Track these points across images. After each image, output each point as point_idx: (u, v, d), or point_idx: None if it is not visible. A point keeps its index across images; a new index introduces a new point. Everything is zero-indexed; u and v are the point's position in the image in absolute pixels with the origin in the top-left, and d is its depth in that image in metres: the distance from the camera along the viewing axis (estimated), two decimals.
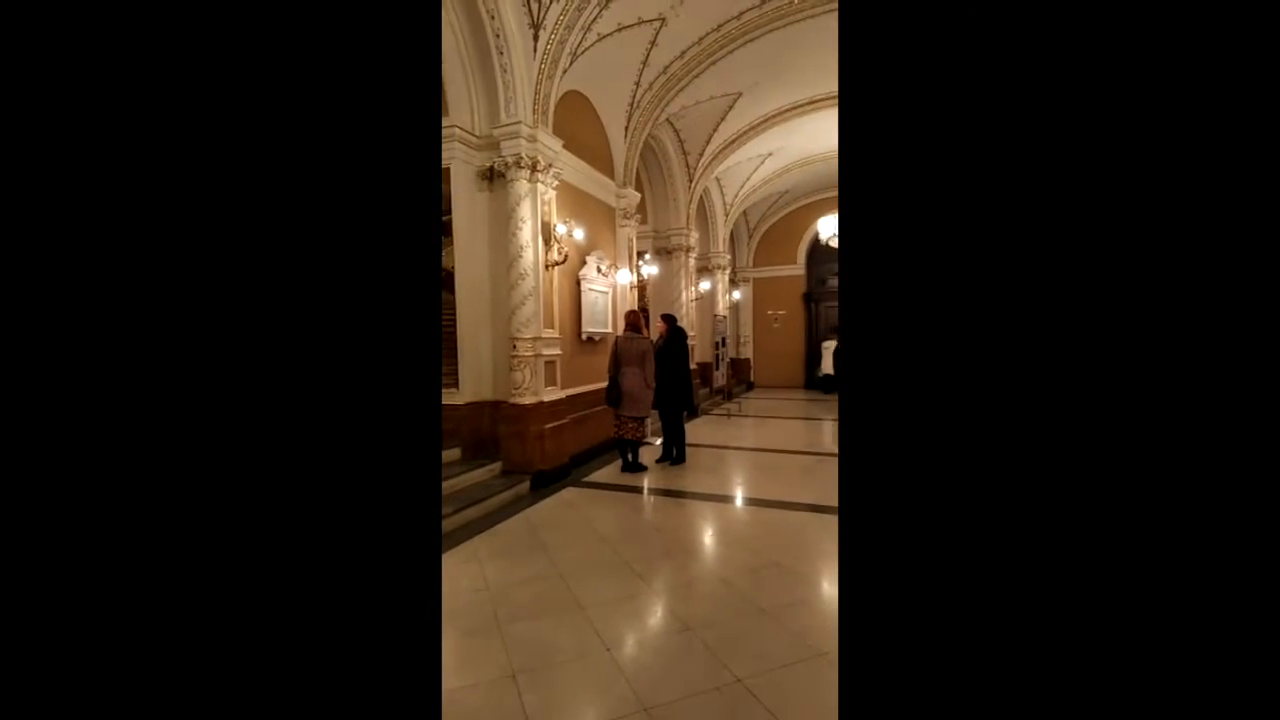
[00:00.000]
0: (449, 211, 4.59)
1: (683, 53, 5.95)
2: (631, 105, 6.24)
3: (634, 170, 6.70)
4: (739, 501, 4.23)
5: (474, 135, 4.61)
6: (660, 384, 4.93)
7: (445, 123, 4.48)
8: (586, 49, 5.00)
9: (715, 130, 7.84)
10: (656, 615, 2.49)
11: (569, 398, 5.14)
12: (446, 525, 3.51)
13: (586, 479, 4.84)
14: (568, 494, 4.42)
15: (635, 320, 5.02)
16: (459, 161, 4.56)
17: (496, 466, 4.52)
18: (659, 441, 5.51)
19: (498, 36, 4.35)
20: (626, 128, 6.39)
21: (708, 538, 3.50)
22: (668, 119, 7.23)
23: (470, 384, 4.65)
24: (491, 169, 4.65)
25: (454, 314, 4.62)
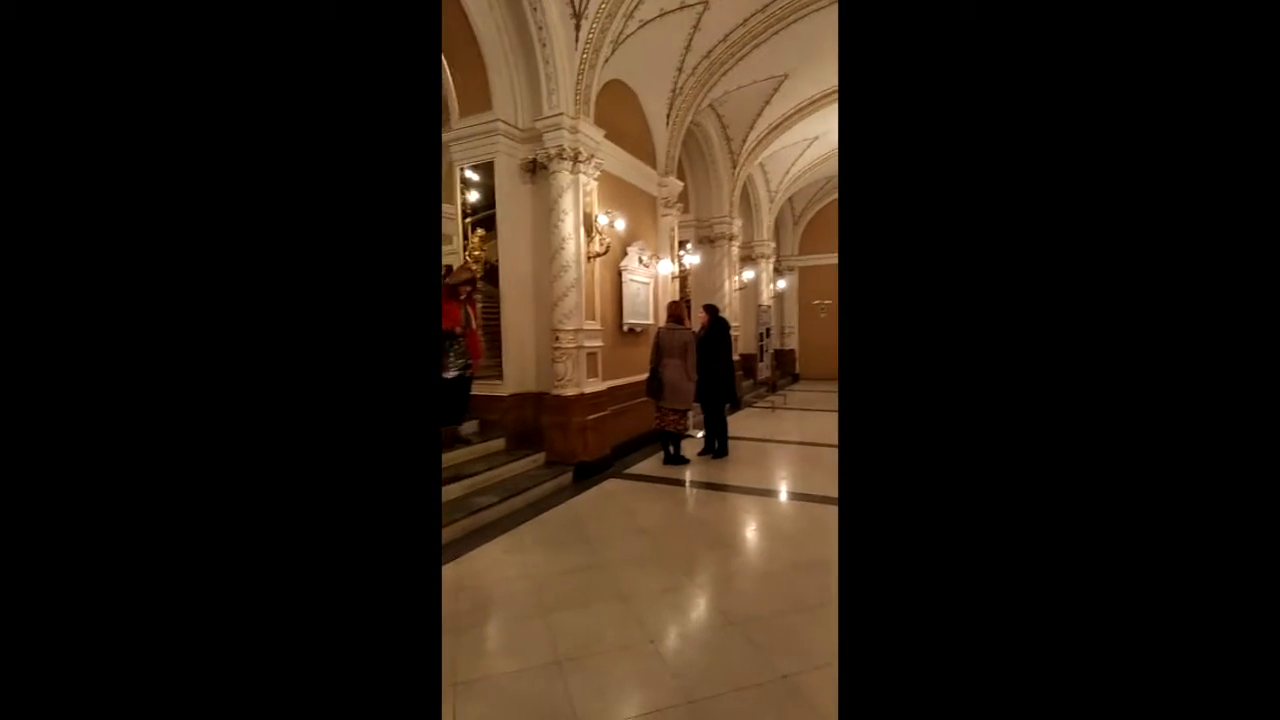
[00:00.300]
0: (493, 205, 4.65)
1: (726, 36, 5.80)
2: (673, 92, 6.15)
3: (676, 158, 6.62)
4: (783, 496, 4.15)
5: (517, 128, 4.65)
6: (702, 376, 4.88)
7: (489, 116, 4.54)
8: (628, 36, 4.95)
9: (759, 115, 7.65)
10: (700, 608, 2.47)
11: (610, 389, 5.16)
12: (493, 514, 3.60)
13: (628, 471, 4.86)
14: (610, 485, 4.45)
15: (677, 311, 4.98)
16: (503, 155, 4.61)
17: (540, 457, 4.59)
18: (701, 434, 5.47)
19: (540, 29, 4.36)
20: (668, 115, 6.31)
21: (751, 532, 3.45)
22: (710, 105, 7.09)
23: (514, 376, 4.73)
24: (534, 161, 4.68)
25: (499, 307, 4.70)
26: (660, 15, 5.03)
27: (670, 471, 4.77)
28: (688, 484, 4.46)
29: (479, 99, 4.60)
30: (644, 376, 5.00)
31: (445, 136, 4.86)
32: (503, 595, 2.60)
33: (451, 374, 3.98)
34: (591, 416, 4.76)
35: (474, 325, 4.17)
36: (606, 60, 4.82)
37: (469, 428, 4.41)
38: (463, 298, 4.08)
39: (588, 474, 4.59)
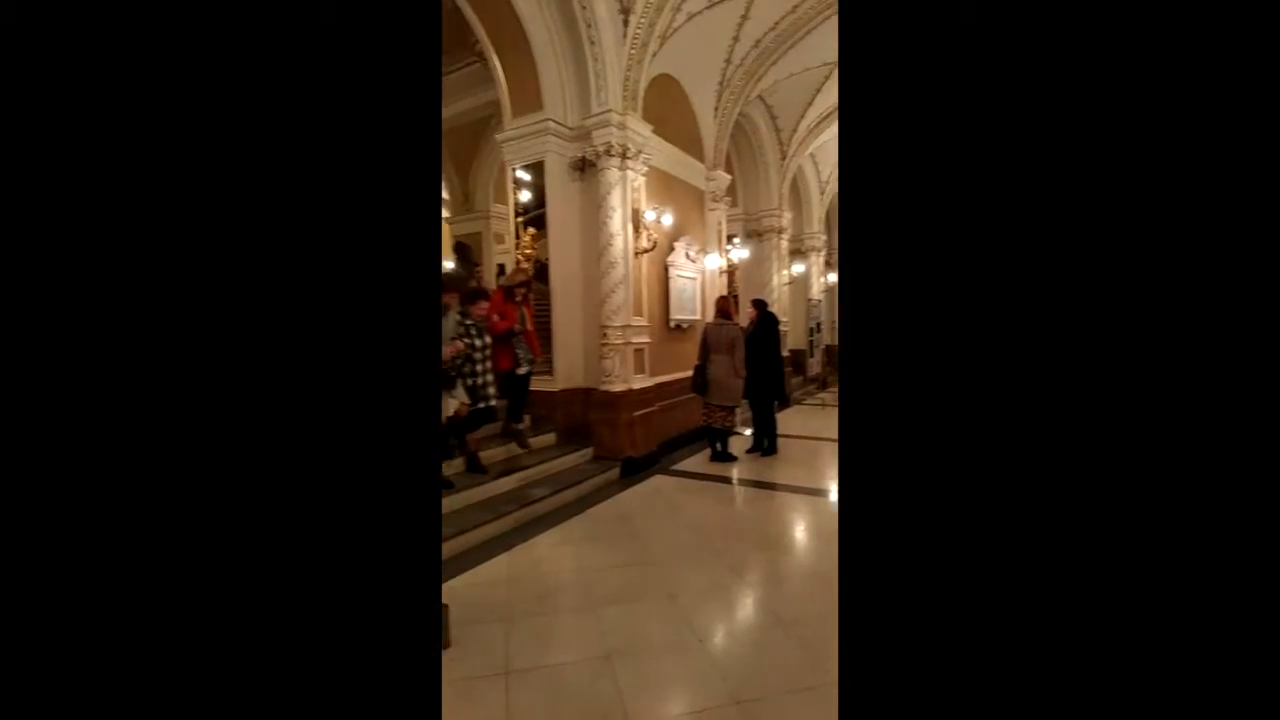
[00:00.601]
0: (544, 204, 4.74)
1: (776, 24, 5.67)
2: (721, 84, 6.06)
3: (724, 151, 6.53)
4: (833, 496, 4.05)
5: (566, 127, 4.71)
6: (750, 372, 4.81)
7: (539, 117, 4.61)
8: (675, 30, 4.91)
9: (810, 104, 7.44)
10: (749, 608, 2.45)
11: (657, 385, 5.17)
12: (544, 506, 3.68)
13: (675, 467, 4.86)
14: (657, 481, 4.47)
15: (724, 306, 4.92)
16: (553, 154, 4.68)
17: (588, 452, 4.66)
18: (749, 431, 5.40)
19: (589, 26, 4.39)
20: (716, 107, 6.23)
21: (800, 532, 3.39)
22: (759, 95, 6.95)
23: (564, 371, 4.81)
24: (583, 159, 4.73)
25: (549, 304, 4.79)
26: (709, 6, 4.97)
27: (718, 469, 4.74)
28: (735, 482, 4.42)
29: (530, 100, 4.68)
30: (691, 373, 4.98)
31: (498, 138, 4.98)
32: (553, 587, 2.66)
33: (523, 370, 4.07)
34: (638, 412, 4.79)
35: (529, 325, 4.23)
36: (654, 55, 4.80)
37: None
38: (518, 299, 4.13)
39: (635, 470, 4.63)
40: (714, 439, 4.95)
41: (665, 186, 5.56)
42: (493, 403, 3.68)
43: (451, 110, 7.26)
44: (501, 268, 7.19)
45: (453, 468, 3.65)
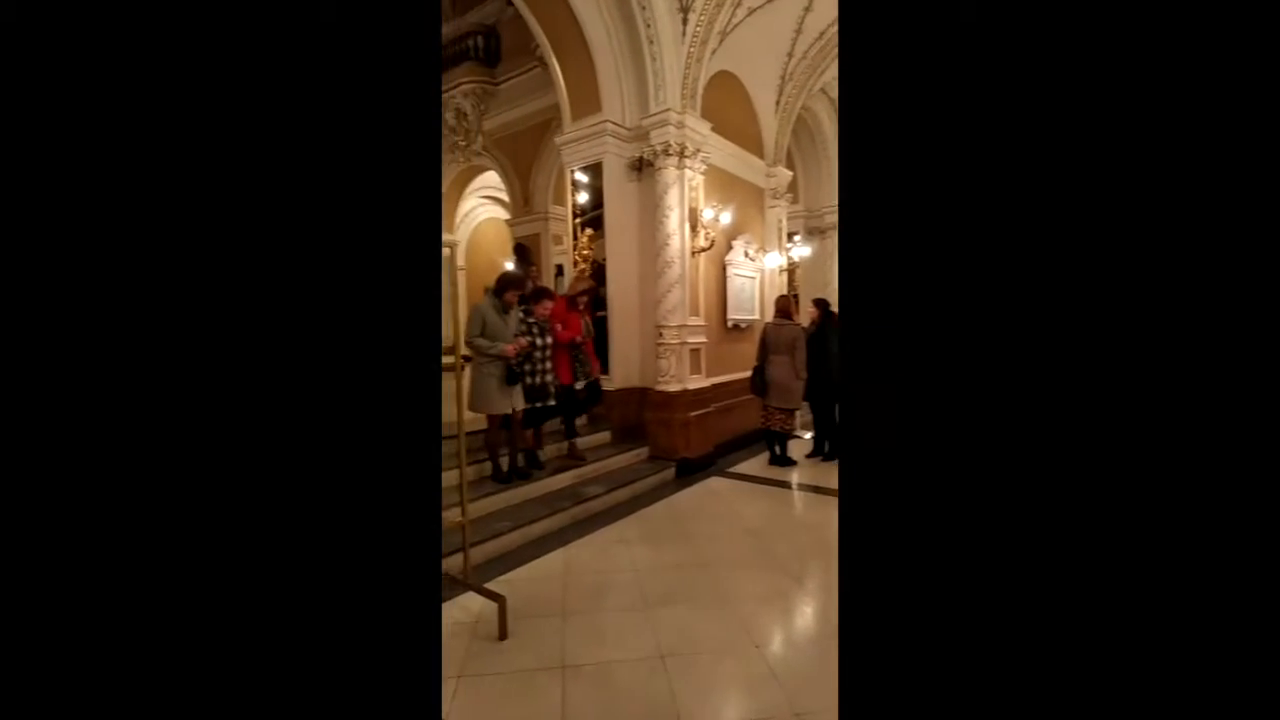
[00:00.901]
0: (601, 205, 4.78)
1: None
2: (783, 78, 5.92)
3: (785, 147, 6.37)
4: None
5: (624, 128, 4.73)
6: (811, 374, 4.66)
7: (598, 118, 4.66)
8: (736, 25, 4.84)
9: None
10: (807, 616, 2.37)
11: (714, 386, 5.10)
12: (599, 504, 3.71)
13: (732, 469, 4.78)
14: (713, 483, 4.41)
15: (785, 306, 4.80)
16: (611, 155, 4.72)
17: (643, 451, 4.65)
18: (809, 435, 5.24)
19: (648, 26, 4.39)
20: (777, 102, 6.08)
21: None
22: (822, 88, 6.74)
23: (620, 371, 4.84)
24: (640, 159, 4.74)
25: (604, 304, 4.82)
26: (769, 0, 4.86)
27: (776, 473, 4.62)
28: (794, 486, 4.29)
29: (589, 102, 4.74)
30: (749, 374, 4.88)
31: (557, 140, 5.08)
32: (608, 585, 2.67)
33: (580, 385, 4.01)
34: (694, 413, 4.74)
35: (590, 334, 4.19)
36: (714, 52, 4.75)
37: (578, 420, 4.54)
38: (581, 307, 4.12)
39: (690, 470, 4.58)
40: (773, 442, 4.83)
41: (724, 184, 5.48)
42: (551, 403, 3.72)
43: (512, 115, 7.48)
44: (560, 268, 7.33)
45: (536, 488, 3.67)
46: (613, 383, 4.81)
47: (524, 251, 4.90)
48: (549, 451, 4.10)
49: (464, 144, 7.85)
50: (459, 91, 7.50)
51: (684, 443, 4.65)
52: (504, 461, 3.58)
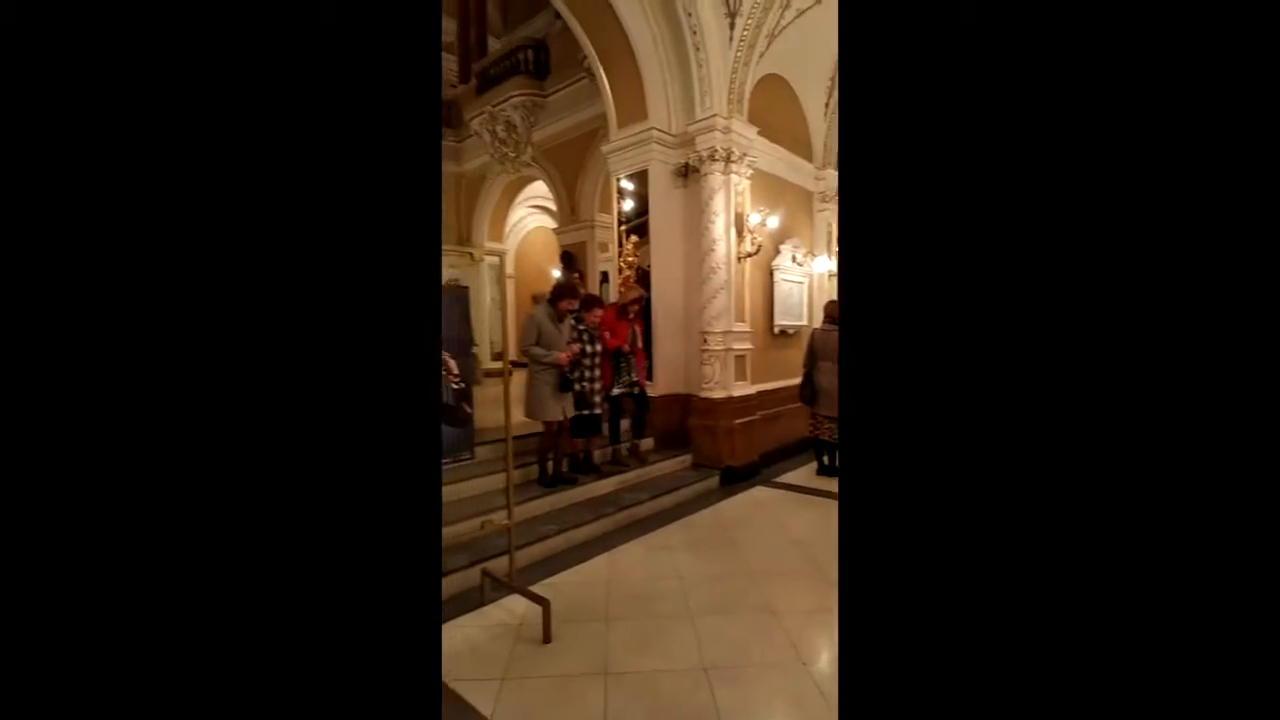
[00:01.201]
0: (646, 212, 4.80)
1: None
2: (832, 80, 5.79)
3: (834, 150, 6.22)
4: None
5: (670, 134, 4.74)
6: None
7: (644, 126, 4.69)
8: (784, 28, 4.77)
9: None
10: None
11: (760, 393, 5.01)
12: (641, 511, 3.70)
13: (778, 479, 4.67)
14: (759, 493, 4.32)
15: (834, 311, 4.66)
16: (656, 162, 4.73)
17: (687, 459, 4.62)
18: None
19: (694, 33, 4.39)
20: (826, 104, 5.96)
21: None
22: None
23: (663, 377, 4.82)
24: (686, 165, 4.73)
25: (649, 310, 4.82)
26: (818, 2, 4.77)
27: (825, 483, 4.48)
28: None
29: (635, 110, 4.78)
30: (796, 381, 4.77)
31: (603, 149, 5.14)
32: (651, 593, 2.65)
33: (616, 392, 4.02)
34: (739, 420, 4.67)
35: (639, 343, 4.18)
36: (761, 55, 4.70)
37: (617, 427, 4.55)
38: (631, 316, 4.12)
39: (735, 479, 4.51)
40: (821, 451, 4.70)
41: (772, 188, 5.40)
42: (597, 411, 3.75)
43: (560, 126, 7.63)
44: (604, 274, 7.39)
45: (580, 493, 3.69)
46: (656, 388, 4.80)
47: (570, 259, 4.98)
48: (595, 457, 4.13)
49: (513, 155, 8.06)
50: (509, 104, 7.71)
51: (729, 450, 4.58)
52: (550, 466, 3.63)
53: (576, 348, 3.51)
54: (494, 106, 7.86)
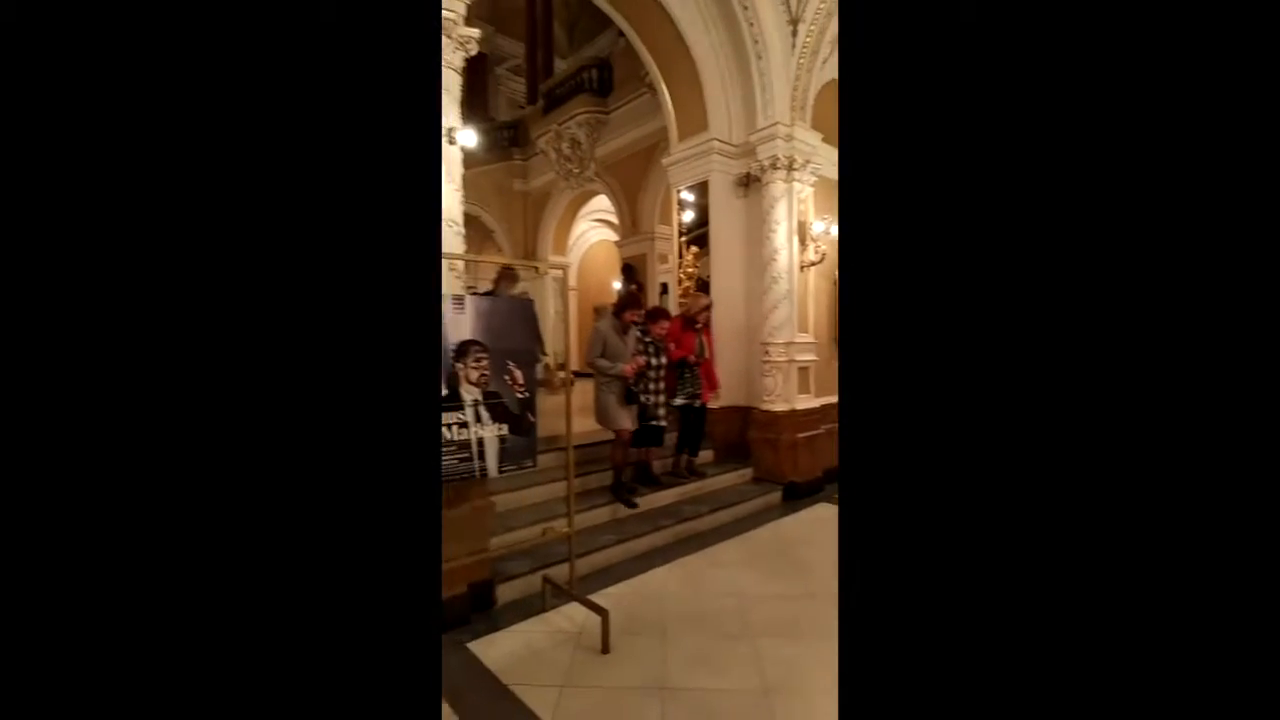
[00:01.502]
0: (706, 223, 4.79)
1: None
2: None
3: None
4: None
5: (731, 145, 4.72)
6: None
7: (704, 137, 4.69)
8: None
9: None
10: None
11: (824, 407, 4.84)
12: (700, 524, 3.65)
13: None
14: (823, 510, 4.16)
15: None
16: (717, 173, 4.72)
17: (748, 472, 4.52)
18: None
19: (756, 42, 4.37)
20: None
21: None
22: None
23: (723, 388, 4.76)
24: (747, 175, 4.69)
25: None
26: None
27: None
28: None
29: (695, 122, 4.79)
30: None
31: (664, 162, 5.18)
32: (709, 609, 2.60)
33: (679, 402, 3.97)
34: (802, 434, 4.52)
35: (708, 354, 4.13)
36: (825, 61, 4.60)
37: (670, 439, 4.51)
38: (699, 325, 4.09)
39: (797, 495, 4.37)
40: None
41: (836, 196, 5.25)
42: (662, 423, 3.73)
43: (622, 140, 7.78)
44: (664, 286, 7.42)
45: (640, 504, 3.65)
46: (716, 400, 4.74)
47: (630, 271, 5.04)
48: (655, 467, 4.12)
49: (578, 171, 8.29)
50: (574, 122, 7.95)
51: (791, 465, 4.44)
52: (625, 473, 3.63)
53: (641, 360, 3.52)
54: (559, 125, 8.13)
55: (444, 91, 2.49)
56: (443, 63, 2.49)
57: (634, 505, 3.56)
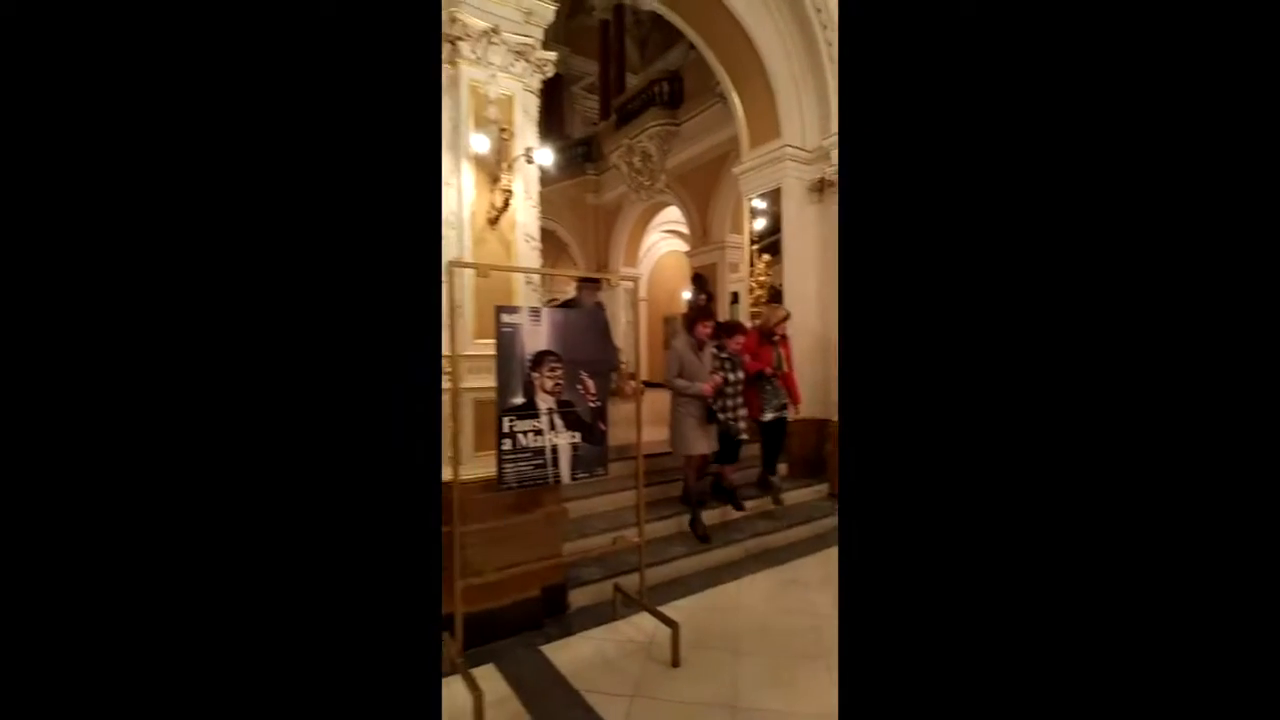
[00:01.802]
0: (778, 231, 4.69)
1: None
2: None
3: None
4: None
5: (804, 150, 4.61)
6: None
7: (777, 144, 4.62)
8: None
9: None
10: None
11: None
12: (773, 540, 3.54)
13: None
14: None
15: None
16: (790, 179, 4.62)
17: (824, 488, 4.35)
18: None
19: (829, 45, 4.26)
20: None
21: None
22: None
23: (801, 401, 4.61)
24: (821, 180, 4.56)
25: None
26: None
27: None
28: None
29: (767, 129, 4.73)
30: None
31: (735, 170, 5.14)
32: (782, 629, 2.51)
33: (768, 416, 3.86)
34: None
35: (786, 367, 4.00)
36: None
37: (749, 450, 4.39)
38: (776, 338, 3.97)
39: None
40: None
41: None
42: (742, 436, 3.62)
43: (693, 151, 7.80)
44: (735, 295, 7.34)
45: (710, 516, 3.57)
46: (794, 413, 4.60)
47: (701, 280, 5.02)
48: (735, 479, 4.04)
49: (649, 183, 8.40)
50: (645, 135, 8.08)
51: None
52: (697, 506, 3.50)
53: (719, 378, 3.40)
54: (631, 139, 8.28)
55: (522, 113, 2.61)
56: (522, 86, 2.62)
57: (706, 540, 3.37)
